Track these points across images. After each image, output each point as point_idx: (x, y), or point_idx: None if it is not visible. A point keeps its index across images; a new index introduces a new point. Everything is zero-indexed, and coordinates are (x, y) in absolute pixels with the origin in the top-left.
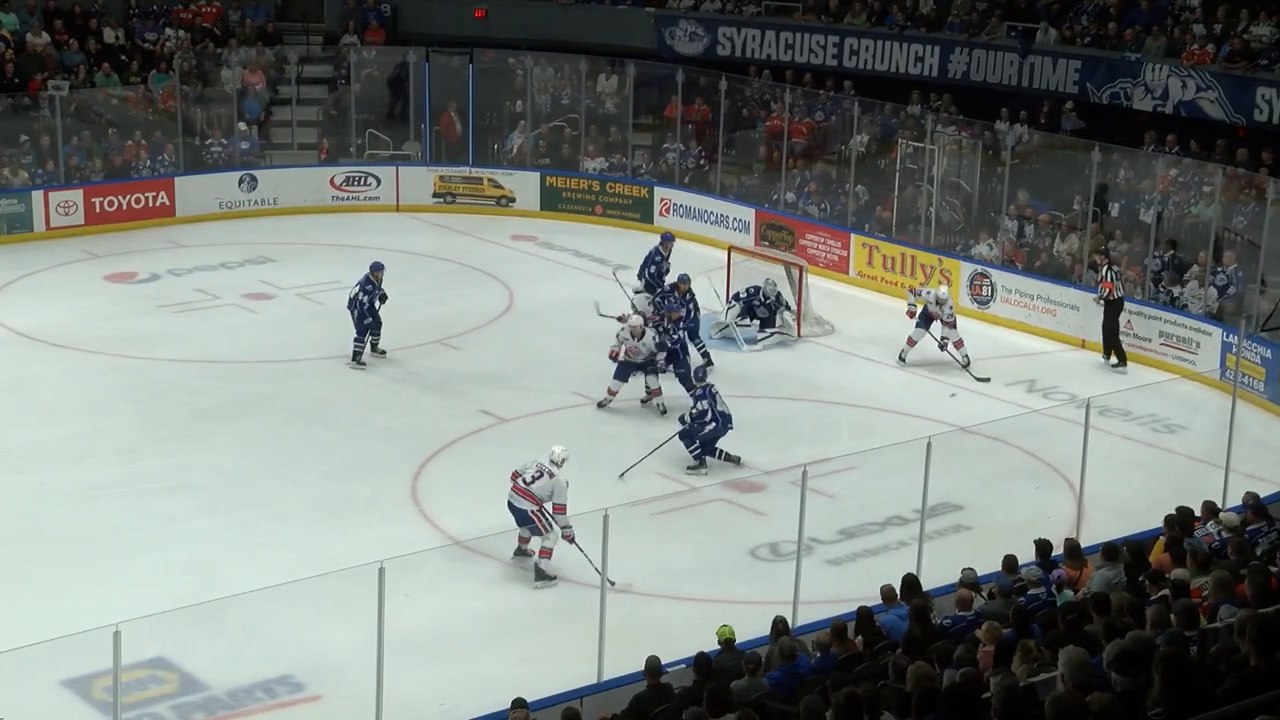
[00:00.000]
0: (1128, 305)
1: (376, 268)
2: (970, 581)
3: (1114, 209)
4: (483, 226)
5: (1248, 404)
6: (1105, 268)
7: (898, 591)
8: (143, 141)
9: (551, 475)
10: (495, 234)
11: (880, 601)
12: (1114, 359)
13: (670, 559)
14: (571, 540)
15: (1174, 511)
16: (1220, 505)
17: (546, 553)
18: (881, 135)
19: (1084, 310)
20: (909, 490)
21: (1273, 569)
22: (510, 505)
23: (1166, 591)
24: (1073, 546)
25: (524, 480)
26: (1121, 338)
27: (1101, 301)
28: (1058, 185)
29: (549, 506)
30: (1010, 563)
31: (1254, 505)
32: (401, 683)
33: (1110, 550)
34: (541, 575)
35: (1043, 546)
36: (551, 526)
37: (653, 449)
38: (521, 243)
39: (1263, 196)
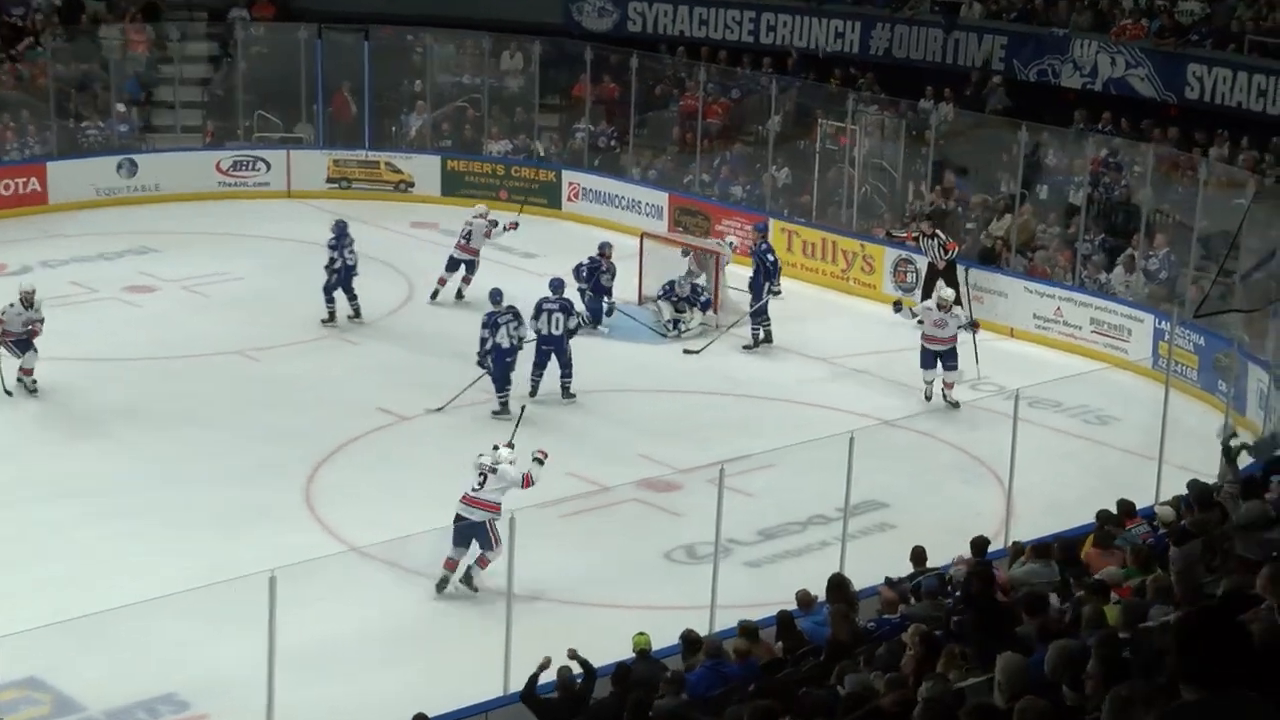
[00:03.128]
0: (1058, 292)
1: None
2: (898, 583)
3: (1042, 190)
4: (380, 213)
5: (1181, 394)
6: (931, 236)
7: (817, 595)
8: (10, 122)
9: (494, 470)
10: (394, 221)
11: (797, 606)
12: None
13: (582, 563)
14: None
15: (1108, 507)
16: (1155, 499)
17: (485, 562)
18: (801, 115)
19: (1011, 297)
20: (832, 488)
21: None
22: (457, 523)
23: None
24: (1017, 549)
25: (472, 490)
26: (1050, 325)
27: (943, 263)
28: (986, 166)
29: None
30: (919, 554)
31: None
32: (294, 699)
33: (1040, 548)
34: (468, 581)
35: (979, 544)
36: (500, 542)
37: (467, 385)
38: (422, 230)
39: (1195, 177)
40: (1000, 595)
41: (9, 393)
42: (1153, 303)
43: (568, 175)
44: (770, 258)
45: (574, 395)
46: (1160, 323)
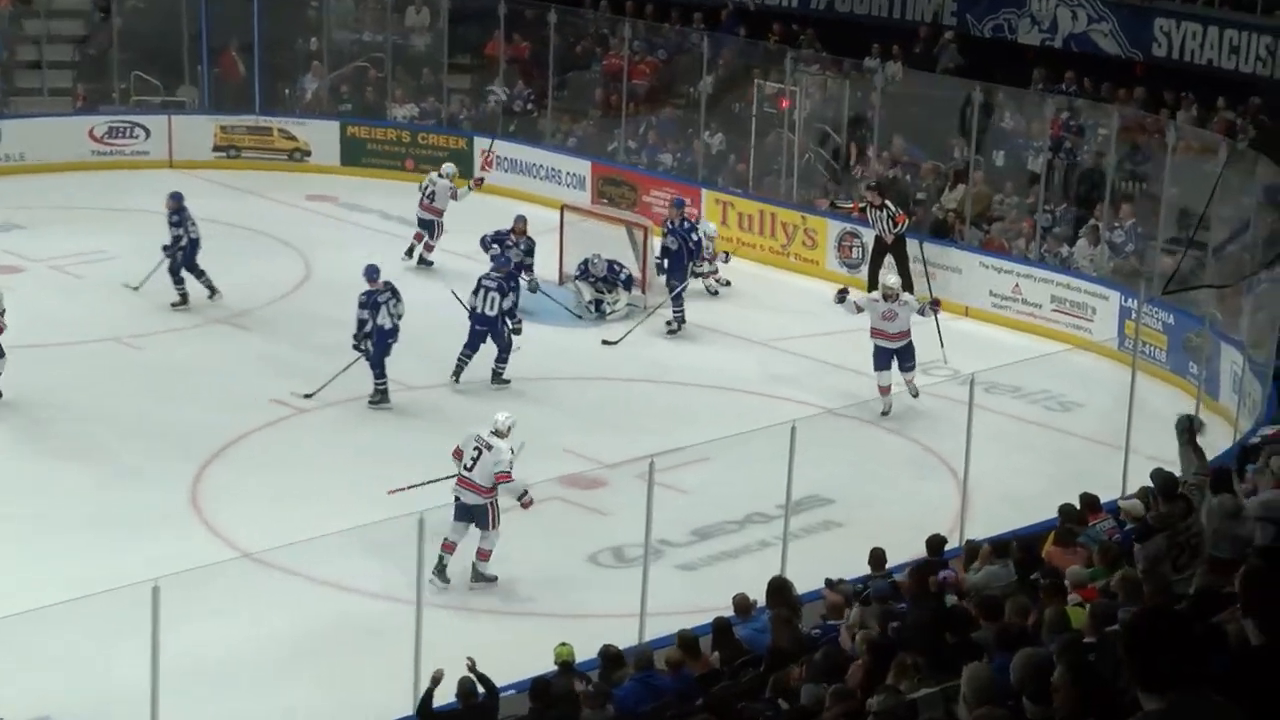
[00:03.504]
0: (1016, 268)
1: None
2: (844, 586)
3: (998, 157)
4: (273, 185)
5: (1149, 376)
6: (879, 208)
7: (756, 600)
8: None
9: (490, 447)
10: (288, 193)
11: (735, 613)
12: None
13: (499, 568)
14: (528, 505)
15: (1071, 501)
16: (1121, 491)
17: (485, 555)
18: (736, 75)
19: (966, 274)
20: (772, 483)
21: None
22: (458, 505)
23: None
24: (973, 547)
25: (465, 468)
26: (1008, 304)
27: (892, 237)
28: (937, 131)
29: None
30: (878, 557)
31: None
32: (184, 718)
33: (998, 546)
34: (480, 577)
35: (935, 543)
36: (498, 523)
37: (340, 370)
38: (319, 203)
39: (1163, 142)
40: (955, 598)
41: None
42: (1118, 278)
43: (480, 142)
44: (694, 236)
45: (507, 381)
46: (1126, 300)
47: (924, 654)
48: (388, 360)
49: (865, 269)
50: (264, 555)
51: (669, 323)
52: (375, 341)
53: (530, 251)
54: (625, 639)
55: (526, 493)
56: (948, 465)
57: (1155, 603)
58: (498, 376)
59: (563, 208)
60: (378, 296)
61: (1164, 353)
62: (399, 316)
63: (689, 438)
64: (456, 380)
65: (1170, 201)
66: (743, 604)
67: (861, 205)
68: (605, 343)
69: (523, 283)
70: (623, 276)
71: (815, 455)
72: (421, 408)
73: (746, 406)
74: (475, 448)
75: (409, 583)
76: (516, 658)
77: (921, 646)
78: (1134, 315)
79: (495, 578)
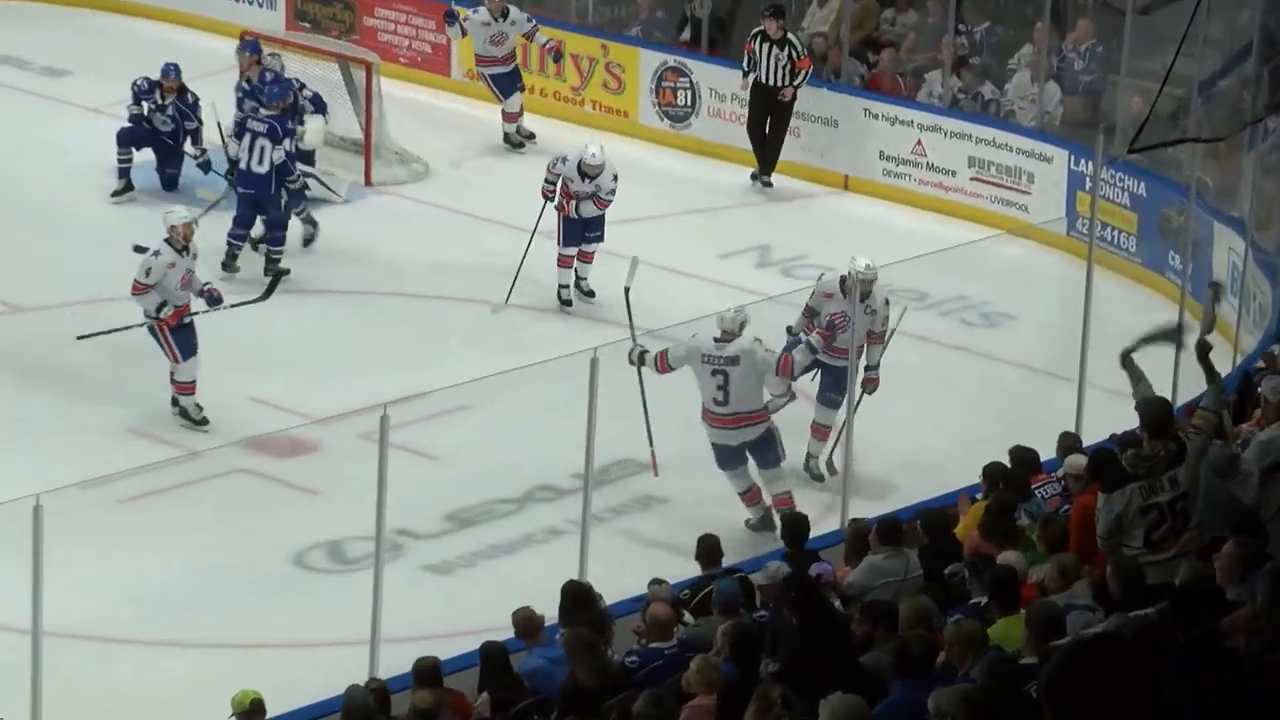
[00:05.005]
0: (918, 117)
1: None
2: (668, 595)
3: None
4: None
5: (1111, 274)
6: (780, 44)
7: (544, 616)
8: None
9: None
10: None
11: (515, 635)
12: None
13: (152, 578)
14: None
15: (999, 460)
16: (1076, 439)
17: (785, 500)
18: None
19: (844, 127)
20: (565, 442)
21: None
22: (725, 452)
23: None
24: (859, 529)
25: (714, 406)
26: (908, 171)
27: (791, 91)
28: None
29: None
30: (709, 549)
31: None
32: None
33: (889, 529)
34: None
35: (793, 525)
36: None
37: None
38: None
39: None
40: (838, 602)
41: None
42: (1068, 131)
43: None
44: (307, 93)
45: (287, 272)
46: (1078, 162)
47: (797, 685)
48: None
49: (694, 122)
50: None
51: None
52: None
53: (191, 112)
54: (349, 675)
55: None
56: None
57: (1126, 602)
58: (271, 263)
59: (242, 35)
60: None
61: (1132, 239)
62: None
63: (437, 378)
64: (225, 270)
65: (1142, 19)
66: (527, 622)
67: (751, 41)
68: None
69: (188, 152)
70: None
71: (629, 401)
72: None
73: (519, 330)
74: (723, 332)
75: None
76: (178, 706)
77: (792, 674)
78: (1089, 185)
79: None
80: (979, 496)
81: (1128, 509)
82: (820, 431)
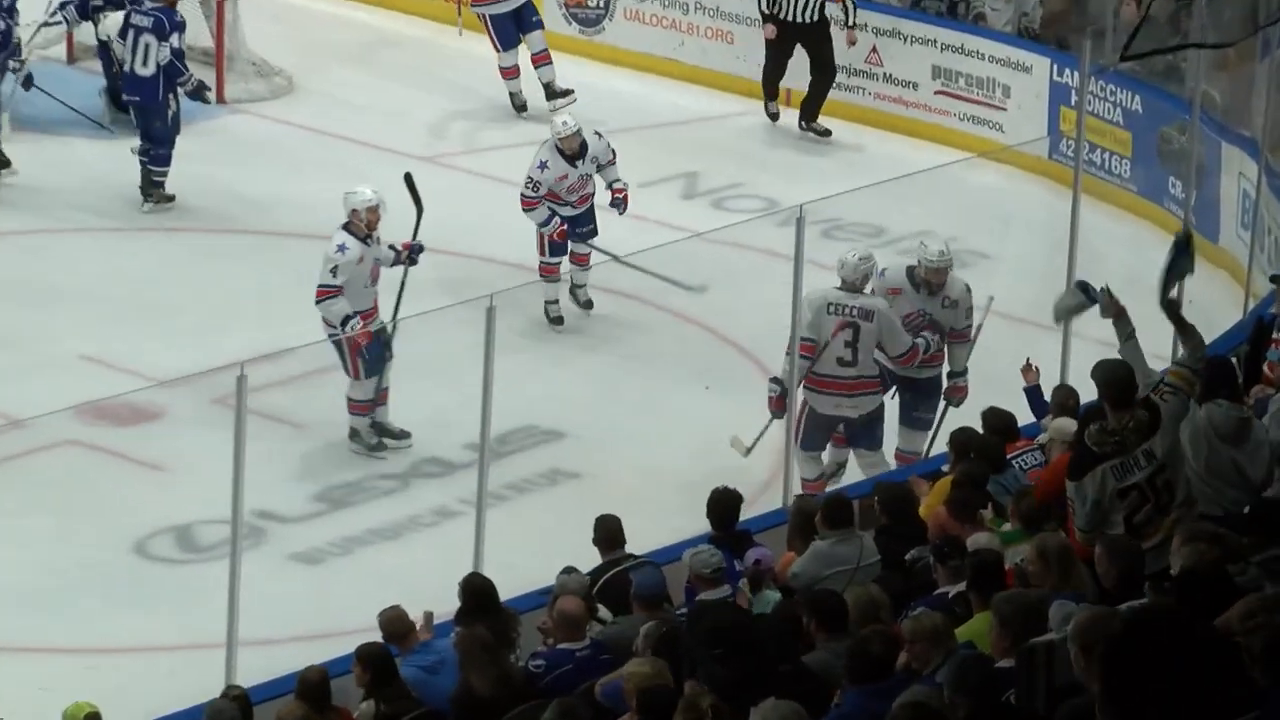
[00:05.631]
0: (871, 21)
1: None
2: (581, 587)
3: None
4: None
5: (1100, 204)
6: None
7: (433, 613)
8: None
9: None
10: None
11: (383, 639)
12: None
13: None
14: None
15: (971, 425)
16: (1073, 396)
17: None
18: None
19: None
20: (456, 405)
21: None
22: (822, 426)
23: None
24: (805, 508)
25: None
26: (860, 85)
27: (814, 14)
28: None
29: None
30: (609, 531)
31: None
32: None
33: (837, 508)
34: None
35: (722, 506)
36: None
37: None
38: None
39: None
40: (778, 594)
41: None
42: (1047, 35)
43: None
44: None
45: (170, 199)
46: (1063, 72)
47: (728, 690)
48: None
49: (607, 26)
50: None
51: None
52: None
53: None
54: (201, 683)
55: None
56: (761, 367)
57: (1118, 591)
58: (152, 190)
59: None
60: None
61: (1126, 163)
62: None
63: (305, 332)
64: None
65: None
66: (393, 624)
67: None
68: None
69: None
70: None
71: (533, 356)
72: None
73: (421, 274)
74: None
75: None
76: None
77: (722, 678)
78: (1075, 99)
79: None
80: (944, 469)
81: (1104, 494)
82: (906, 459)
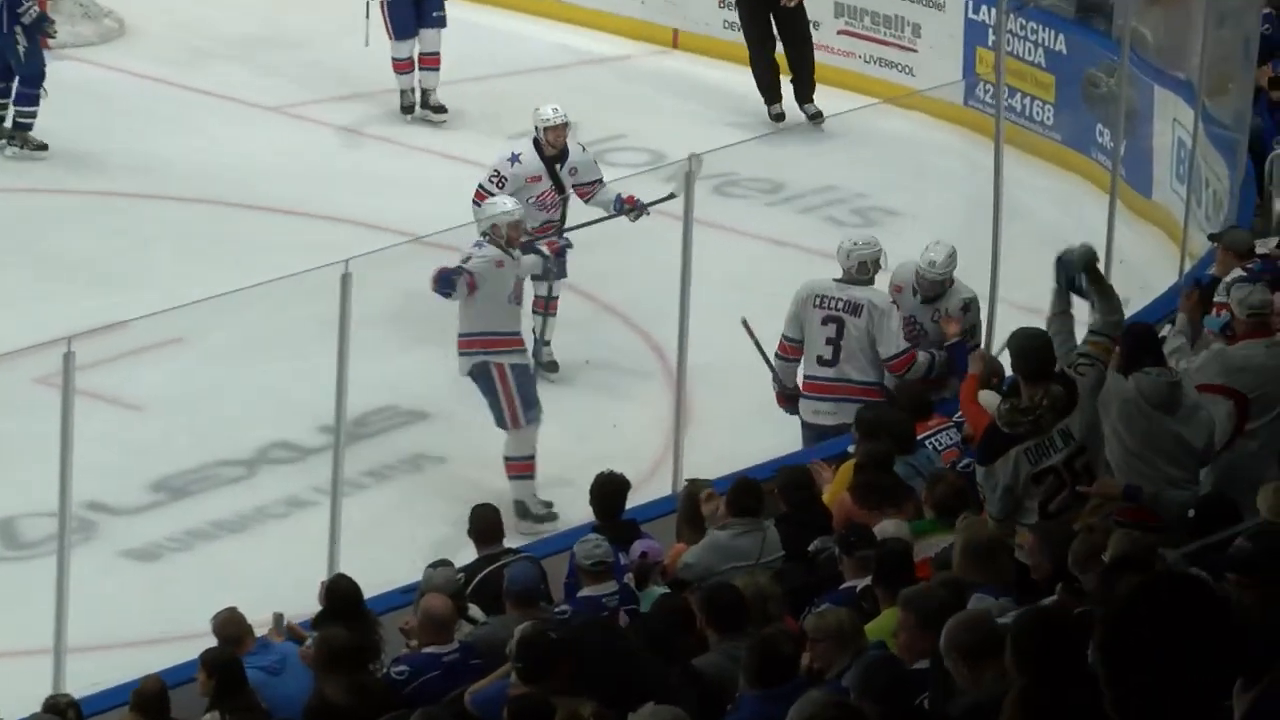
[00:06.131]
0: None
1: None
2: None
3: None
4: None
5: (1018, 153)
6: None
7: (284, 615)
8: None
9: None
10: None
11: (220, 643)
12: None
13: None
14: None
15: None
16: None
17: None
18: None
19: None
20: (309, 385)
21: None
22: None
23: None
24: (697, 494)
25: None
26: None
27: None
28: None
29: None
30: (486, 523)
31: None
32: None
33: (744, 492)
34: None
35: (606, 492)
36: None
37: None
38: None
39: None
40: (662, 580)
41: None
42: None
43: None
44: None
45: (43, 147)
46: (979, 9)
47: (611, 696)
48: None
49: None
50: None
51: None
52: None
53: None
54: (24, 694)
55: None
56: (651, 344)
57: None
58: (16, 133)
59: None
60: None
61: (1048, 109)
62: None
63: (138, 302)
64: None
65: None
66: (228, 626)
67: None
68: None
69: None
70: None
71: (394, 329)
72: None
73: (241, 233)
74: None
75: None
76: None
77: (608, 680)
78: (993, 38)
79: None
80: (850, 449)
81: (1017, 479)
82: None
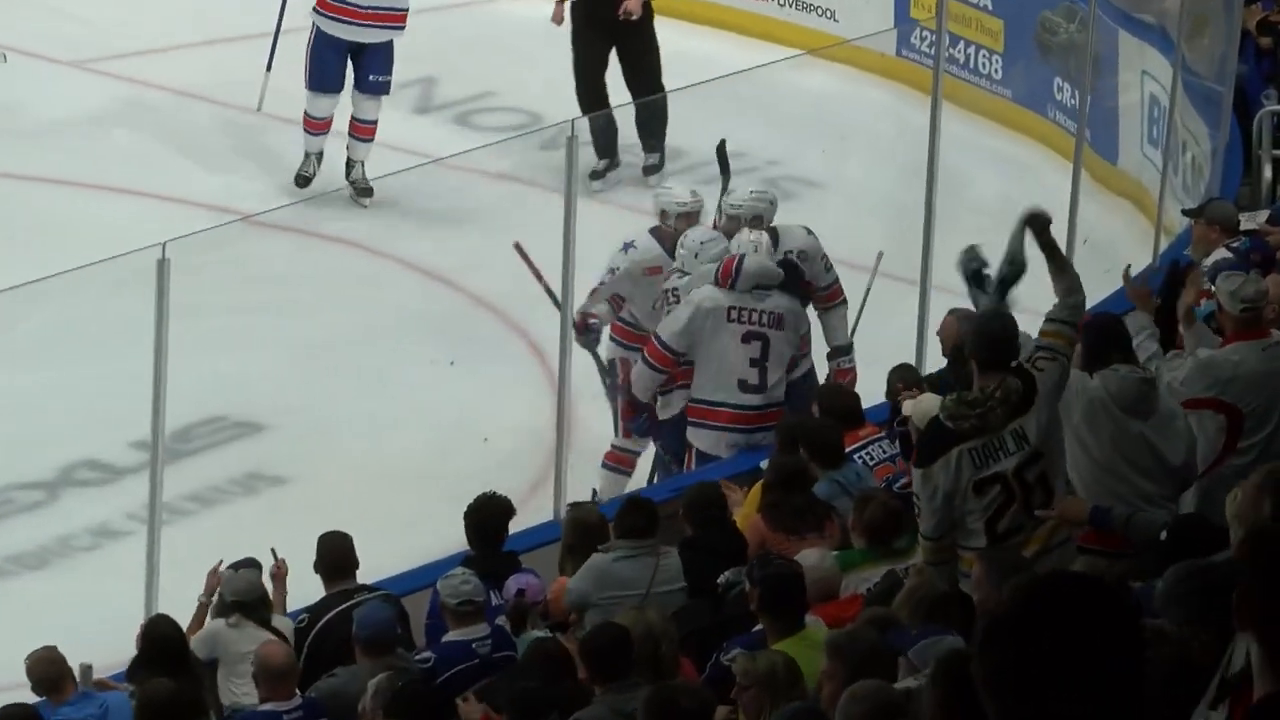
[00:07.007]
0: None
1: None
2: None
3: None
4: None
5: (961, 112)
6: None
7: (91, 666)
8: None
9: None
10: None
11: (32, 689)
12: None
13: None
14: None
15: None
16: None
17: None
18: None
19: None
20: (122, 391)
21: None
22: None
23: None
24: (582, 519)
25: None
26: None
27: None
28: None
29: None
30: (337, 553)
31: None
32: None
33: (636, 512)
34: None
35: (484, 517)
36: None
37: None
38: None
39: None
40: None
41: None
42: None
43: None
44: None
45: None
46: None
47: None
48: None
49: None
50: None
51: None
52: None
53: None
54: None
55: None
56: (520, 333)
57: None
58: None
59: None
60: None
61: (997, 60)
62: None
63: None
64: None
65: None
66: (44, 666)
67: None
68: None
69: None
70: None
71: (221, 325)
72: None
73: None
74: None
75: None
76: None
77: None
78: None
79: None
80: (764, 465)
81: (958, 485)
82: None
